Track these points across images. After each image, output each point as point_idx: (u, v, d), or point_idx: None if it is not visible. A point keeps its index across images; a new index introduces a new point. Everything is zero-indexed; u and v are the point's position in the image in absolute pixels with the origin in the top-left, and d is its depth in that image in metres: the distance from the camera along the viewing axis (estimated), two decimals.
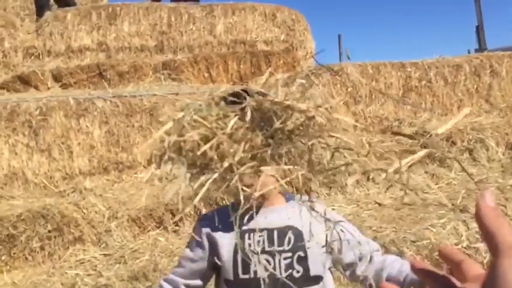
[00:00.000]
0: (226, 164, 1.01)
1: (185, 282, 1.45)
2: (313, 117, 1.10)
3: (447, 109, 5.30)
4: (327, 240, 1.36)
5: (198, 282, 1.46)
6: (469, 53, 8.94)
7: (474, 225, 2.81)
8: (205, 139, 1.04)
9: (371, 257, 1.38)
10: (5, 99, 3.78)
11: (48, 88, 4.90)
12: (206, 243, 1.42)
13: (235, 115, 1.09)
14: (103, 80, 4.98)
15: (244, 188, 1.01)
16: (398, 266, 1.37)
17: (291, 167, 1.10)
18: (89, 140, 3.79)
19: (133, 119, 3.97)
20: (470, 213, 2.91)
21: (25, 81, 4.90)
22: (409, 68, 5.27)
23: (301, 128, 1.07)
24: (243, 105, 1.09)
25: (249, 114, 1.06)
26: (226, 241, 1.38)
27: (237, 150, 0.98)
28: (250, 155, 1.03)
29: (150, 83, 5.20)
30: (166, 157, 1.01)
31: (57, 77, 5.01)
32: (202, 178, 0.99)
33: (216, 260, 1.40)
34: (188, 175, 0.97)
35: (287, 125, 1.08)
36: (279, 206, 1.39)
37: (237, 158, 1.00)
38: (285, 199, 1.42)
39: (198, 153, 1.02)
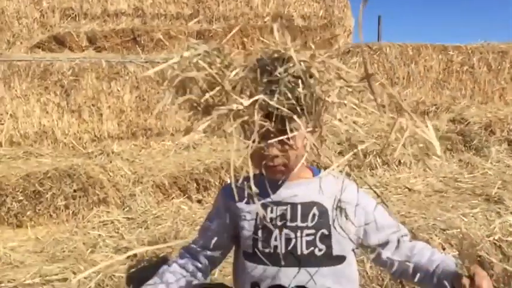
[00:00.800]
0: (234, 107, 0.98)
1: (204, 253, 1.41)
2: (310, 66, 1.03)
3: (488, 97, 5.08)
4: (352, 220, 1.30)
5: (217, 253, 1.42)
6: None
7: (508, 217, 2.69)
8: (208, 83, 1.00)
9: (398, 242, 1.32)
10: (39, 58, 3.80)
11: (83, 50, 4.92)
12: (227, 214, 1.36)
13: (240, 65, 1.04)
14: (137, 46, 4.97)
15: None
16: (429, 255, 1.30)
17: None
18: (119, 104, 3.78)
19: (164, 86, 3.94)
20: (505, 205, 2.78)
21: (60, 41, 4.93)
22: (451, 51, 5.05)
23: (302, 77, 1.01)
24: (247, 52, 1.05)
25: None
26: (247, 213, 1.32)
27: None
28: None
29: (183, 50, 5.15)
30: (166, 88, 1.02)
31: (91, 40, 5.02)
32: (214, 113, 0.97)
33: (237, 232, 1.35)
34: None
35: (288, 74, 1.02)
36: (306, 180, 1.32)
37: (238, 106, 0.97)
38: (312, 173, 1.35)
39: (202, 100, 1.00)
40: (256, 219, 1.31)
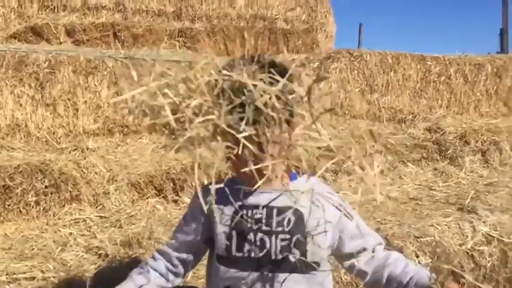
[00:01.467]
0: (188, 134, 1.06)
1: (178, 255, 1.38)
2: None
3: (463, 108, 5.18)
4: (327, 227, 1.29)
5: (191, 256, 1.40)
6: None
7: (481, 227, 2.73)
8: (173, 109, 1.08)
9: (373, 251, 1.32)
10: (14, 49, 3.70)
11: (60, 43, 4.81)
12: (202, 216, 1.34)
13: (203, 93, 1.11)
14: (116, 41, 4.89)
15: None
16: (403, 266, 1.30)
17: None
18: (96, 99, 3.71)
19: (144, 83, 3.87)
20: (478, 214, 2.83)
21: (37, 33, 4.81)
22: (429, 61, 5.13)
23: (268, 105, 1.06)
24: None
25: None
26: (222, 215, 1.30)
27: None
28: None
29: (165, 49, 5.09)
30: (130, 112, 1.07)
31: (70, 32, 4.91)
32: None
33: (211, 235, 1.33)
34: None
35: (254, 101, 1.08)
36: (283, 185, 1.30)
37: (195, 132, 1.05)
38: (290, 179, 1.34)
39: (162, 121, 1.07)
40: (231, 223, 1.29)
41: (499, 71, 5.35)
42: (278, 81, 1.11)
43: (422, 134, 4.37)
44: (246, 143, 1.08)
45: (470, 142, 4.19)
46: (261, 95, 1.08)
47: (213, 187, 1.10)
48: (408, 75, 5.02)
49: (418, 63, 5.09)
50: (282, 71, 1.16)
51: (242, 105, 1.09)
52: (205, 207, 1.15)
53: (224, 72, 1.12)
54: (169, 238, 1.46)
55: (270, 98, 1.08)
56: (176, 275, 1.41)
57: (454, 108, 5.12)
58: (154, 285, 1.37)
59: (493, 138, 4.24)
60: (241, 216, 1.28)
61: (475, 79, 5.24)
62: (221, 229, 1.30)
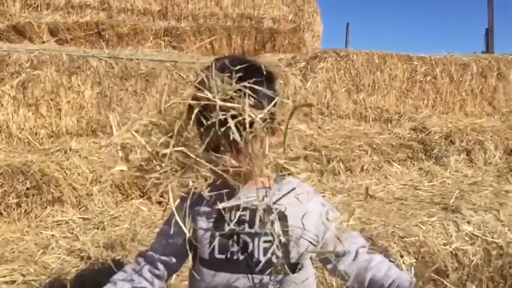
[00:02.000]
0: (154, 175, 1.13)
1: (161, 258, 1.37)
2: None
3: (449, 107, 5.21)
4: (310, 229, 1.28)
5: (174, 259, 1.37)
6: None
7: (465, 226, 2.75)
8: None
9: (356, 253, 1.30)
10: None
11: (43, 42, 4.74)
12: (180, 220, 1.32)
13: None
14: (101, 40, 4.83)
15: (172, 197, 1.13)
16: (385, 269, 1.29)
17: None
18: (79, 99, 3.66)
19: (128, 83, 3.84)
20: (462, 214, 2.84)
21: (20, 32, 4.74)
22: (415, 61, 5.15)
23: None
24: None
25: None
26: (205, 218, 1.29)
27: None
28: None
29: (150, 48, 5.05)
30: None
31: (53, 31, 4.84)
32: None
33: (194, 237, 1.31)
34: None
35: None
36: (266, 185, 1.28)
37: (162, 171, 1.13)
38: (273, 179, 1.32)
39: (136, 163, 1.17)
40: (213, 225, 1.28)
41: (484, 70, 5.39)
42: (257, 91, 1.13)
43: (408, 133, 4.39)
44: (223, 174, 1.14)
45: (455, 142, 4.21)
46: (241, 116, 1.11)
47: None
48: (394, 75, 5.03)
49: (405, 63, 5.11)
50: (264, 77, 1.17)
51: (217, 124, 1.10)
52: (185, 229, 1.17)
53: (199, 94, 1.13)
54: (152, 241, 1.44)
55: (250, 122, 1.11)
56: (160, 278, 1.39)
57: (440, 107, 5.15)
58: None
59: (477, 137, 4.27)
60: (224, 219, 1.26)
61: (461, 79, 5.28)
62: (204, 231, 1.28)
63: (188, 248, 1.34)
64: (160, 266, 1.37)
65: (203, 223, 1.29)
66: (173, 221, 1.19)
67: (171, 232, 1.34)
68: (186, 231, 1.17)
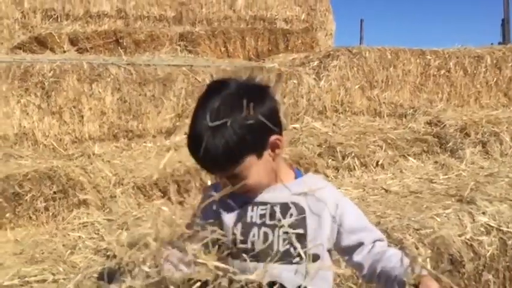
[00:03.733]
0: None
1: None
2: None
3: (464, 100, 5.21)
4: (327, 222, 1.35)
5: None
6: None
7: (480, 217, 2.78)
8: None
9: (372, 246, 1.36)
10: (19, 59, 3.80)
11: (64, 51, 4.91)
12: (210, 211, 1.44)
13: None
14: (119, 47, 4.98)
15: None
16: (395, 262, 1.32)
17: None
18: (100, 105, 3.79)
19: (146, 88, 3.96)
20: (477, 205, 2.87)
21: (42, 42, 4.92)
22: (428, 55, 5.17)
23: None
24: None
25: None
26: (228, 210, 1.39)
27: None
28: None
29: (166, 53, 5.18)
30: None
31: (73, 41, 5.02)
32: None
33: (220, 227, 1.42)
34: None
35: None
36: (287, 182, 1.38)
37: None
38: (295, 175, 1.43)
39: None
40: (237, 217, 1.37)
41: (499, 62, 5.38)
42: None
43: (423, 127, 4.42)
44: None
45: (470, 134, 4.23)
46: None
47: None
48: (408, 70, 5.06)
49: (418, 58, 5.14)
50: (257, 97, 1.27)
51: None
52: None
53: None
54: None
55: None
56: (187, 265, 1.52)
57: (455, 101, 5.16)
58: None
59: (493, 129, 4.27)
60: (246, 211, 1.36)
61: (475, 71, 5.28)
62: (228, 222, 1.38)
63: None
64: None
65: (227, 215, 1.39)
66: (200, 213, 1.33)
67: (199, 222, 1.47)
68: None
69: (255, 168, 1.29)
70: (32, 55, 4.37)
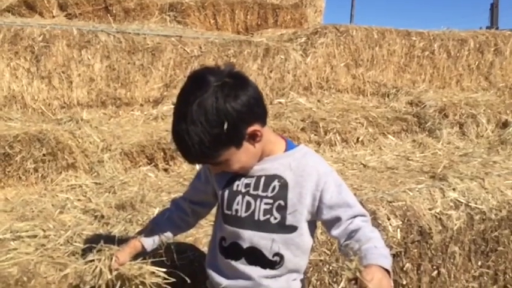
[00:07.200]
0: None
1: (191, 206, 1.65)
2: None
3: (445, 82, 5.35)
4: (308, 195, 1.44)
5: (200, 207, 1.67)
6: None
7: (450, 193, 2.93)
8: None
9: (350, 223, 1.40)
10: (9, 22, 3.80)
11: (53, 16, 4.90)
12: (208, 175, 1.58)
13: None
14: (108, 15, 4.98)
15: None
16: (358, 246, 1.33)
17: None
18: (89, 72, 3.84)
19: (135, 57, 4.01)
20: (449, 182, 3.02)
21: (31, 6, 4.89)
22: (414, 37, 5.27)
23: None
24: None
25: None
26: (219, 178, 1.52)
27: None
28: None
29: (155, 23, 5.19)
30: None
31: (62, 6, 5.00)
32: None
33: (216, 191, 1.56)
34: None
35: None
36: (276, 155, 1.47)
37: None
38: (286, 146, 1.50)
39: None
40: (225, 185, 1.49)
41: (482, 46, 5.51)
42: None
43: (404, 107, 4.56)
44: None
45: (449, 115, 4.38)
46: None
47: None
48: (393, 51, 5.17)
49: (403, 39, 5.23)
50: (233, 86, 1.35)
51: None
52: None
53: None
54: (186, 191, 1.72)
55: None
56: (188, 223, 1.69)
57: (437, 82, 5.30)
58: (171, 230, 1.66)
59: (470, 111, 4.43)
60: (235, 179, 1.48)
61: (458, 54, 5.40)
62: (218, 189, 1.51)
63: (214, 198, 1.60)
64: (189, 211, 1.64)
65: (217, 183, 1.52)
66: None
67: (200, 184, 1.63)
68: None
69: (235, 157, 1.37)
70: (21, 19, 4.36)
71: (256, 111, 1.36)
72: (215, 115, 1.28)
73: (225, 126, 1.28)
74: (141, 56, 4.01)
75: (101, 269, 1.49)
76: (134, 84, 3.98)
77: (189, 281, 1.72)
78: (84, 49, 3.81)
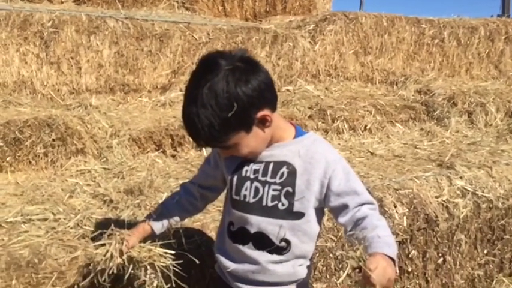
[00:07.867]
0: None
1: (200, 190, 1.67)
2: None
3: (455, 71, 5.31)
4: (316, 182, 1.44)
5: (209, 192, 1.69)
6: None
7: (457, 181, 2.93)
8: None
9: (357, 210, 1.40)
10: (18, 7, 3.81)
11: (62, 2, 4.90)
12: (218, 160, 1.59)
13: None
14: (116, 1, 4.96)
15: None
16: (363, 235, 1.34)
17: None
18: (98, 58, 3.85)
19: (143, 43, 4.01)
20: (456, 170, 3.02)
21: None
22: (423, 24, 5.22)
23: None
24: None
25: None
26: (228, 163, 1.53)
27: None
28: None
29: (164, 9, 5.18)
30: None
31: None
32: None
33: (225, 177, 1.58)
34: None
35: None
36: (285, 141, 1.48)
37: None
38: (295, 133, 1.51)
39: None
40: (234, 170, 1.51)
41: (492, 34, 5.45)
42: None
43: (413, 95, 4.54)
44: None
45: (457, 104, 4.36)
46: None
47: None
48: (402, 38, 5.13)
49: (413, 26, 5.19)
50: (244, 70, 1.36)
51: None
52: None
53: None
54: (195, 175, 1.74)
55: None
56: (196, 207, 1.71)
57: (446, 70, 5.26)
58: (179, 213, 1.68)
59: (479, 100, 4.40)
60: (244, 164, 1.49)
61: (468, 42, 5.35)
62: (227, 174, 1.53)
63: (223, 183, 1.63)
64: (197, 195, 1.66)
65: (226, 168, 1.53)
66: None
67: (209, 169, 1.65)
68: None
69: (244, 142, 1.38)
70: (30, 4, 4.36)
71: (267, 96, 1.37)
72: (226, 99, 1.29)
73: (234, 110, 1.29)
74: (149, 42, 4.02)
75: (111, 253, 1.51)
76: (142, 71, 3.99)
77: (197, 261, 1.75)
78: (92, 35, 3.82)
